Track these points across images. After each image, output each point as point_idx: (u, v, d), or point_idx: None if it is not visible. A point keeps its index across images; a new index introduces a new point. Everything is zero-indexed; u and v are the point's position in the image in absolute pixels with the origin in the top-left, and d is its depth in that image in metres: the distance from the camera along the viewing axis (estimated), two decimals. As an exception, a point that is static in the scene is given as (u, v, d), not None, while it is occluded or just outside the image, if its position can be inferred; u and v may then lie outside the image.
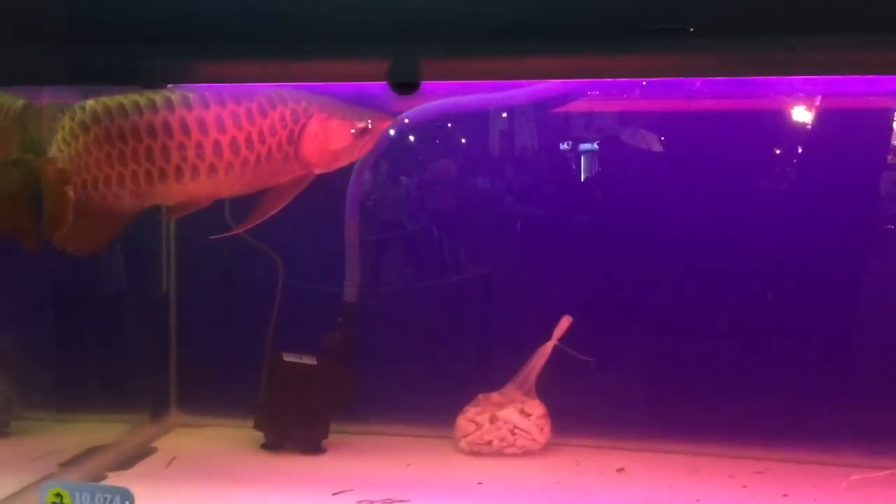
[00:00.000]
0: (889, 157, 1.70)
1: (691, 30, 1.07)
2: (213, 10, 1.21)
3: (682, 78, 1.32)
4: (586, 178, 1.88)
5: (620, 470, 1.60)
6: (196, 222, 1.81)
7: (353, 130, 1.45)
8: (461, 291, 1.86)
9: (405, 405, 1.78)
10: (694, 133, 1.72)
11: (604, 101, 1.79)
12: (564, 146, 1.88)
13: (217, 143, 1.40)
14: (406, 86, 1.22)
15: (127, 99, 1.39)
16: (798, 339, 1.64)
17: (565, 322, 1.71)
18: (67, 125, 1.39)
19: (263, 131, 1.42)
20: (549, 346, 1.72)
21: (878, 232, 1.71)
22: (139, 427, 1.82)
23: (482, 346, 1.85)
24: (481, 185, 1.90)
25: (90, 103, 1.39)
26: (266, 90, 1.42)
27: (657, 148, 1.79)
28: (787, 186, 1.75)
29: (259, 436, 1.72)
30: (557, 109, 1.86)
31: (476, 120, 1.88)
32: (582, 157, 1.85)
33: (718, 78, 1.37)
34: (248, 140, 1.41)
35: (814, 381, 1.65)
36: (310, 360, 1.72)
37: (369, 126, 1.46)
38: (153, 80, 1.38)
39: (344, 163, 1.50)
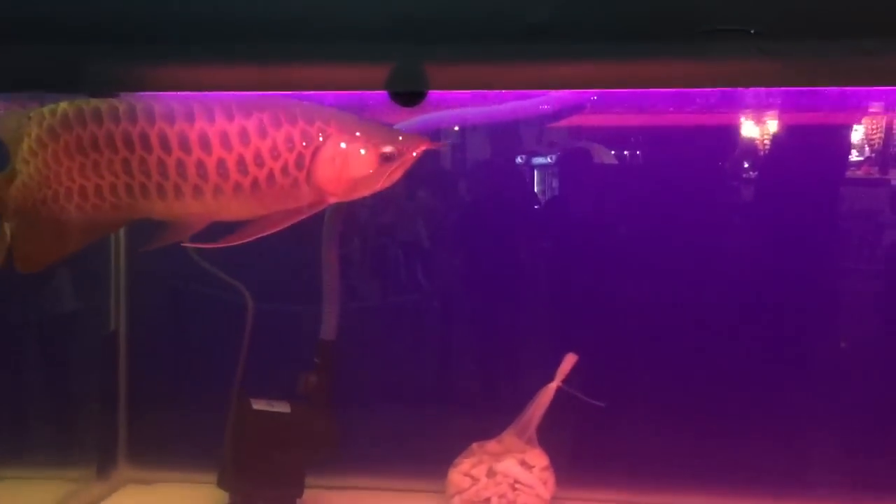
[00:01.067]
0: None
1: (752, 31, 0.91)
2: (180, 5, 1.02)
3: (740, 88, 1.17)
4: (584, 204, 1.74)
5: (634, 529, 1.45)
6: (149, 253, 1.63)
7: (377, 156, 1.26)
8: (452, 328, 1.69)
9: (390, 456, 1.62)
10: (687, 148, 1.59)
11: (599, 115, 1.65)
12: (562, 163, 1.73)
13: (201, 164, 1.23)
14: (409, 96, 1.05)
15: (105, 104, 1.24)
16: (827, 389, 1.51)
17: (570, 361, 1.54)
18: (34, 132, 1.25)
19: (262, 154, 1.23)
20: (551, 387, 1.54)
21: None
22: (83, 485, 1.63)
23: (477, 387, 1.67)
24: (476, 213, 1.73)
25: (62, 106, 1.24)
26: (273, 105, 1.24)
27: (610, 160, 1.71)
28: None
29: (223, 495, 1.53)
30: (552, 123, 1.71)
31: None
32: (587, 178, 1.70)
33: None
34: (241, 163, 1.23)
35: (841, 429, 1.51)
36: (282, 407, 1.53)
37: (397, 151, 1.26)
38: (102, 88, 1.19)
39: (366, 192, 1.30)
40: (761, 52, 0.93)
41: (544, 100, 1.43)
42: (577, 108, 1.55)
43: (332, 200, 1.31)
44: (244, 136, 1.23)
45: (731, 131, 1.61)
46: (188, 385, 1.68)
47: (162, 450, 1.67)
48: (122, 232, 1.67)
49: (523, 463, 1.53)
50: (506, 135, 1.74)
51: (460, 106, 1.47)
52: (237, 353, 1.56)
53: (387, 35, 1.02)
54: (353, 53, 1.04)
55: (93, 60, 1.14)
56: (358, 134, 1.26)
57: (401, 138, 1.28)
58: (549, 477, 1.54)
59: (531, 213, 1.74)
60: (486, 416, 1.62)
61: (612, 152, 1.71)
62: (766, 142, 1.62)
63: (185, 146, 1.23)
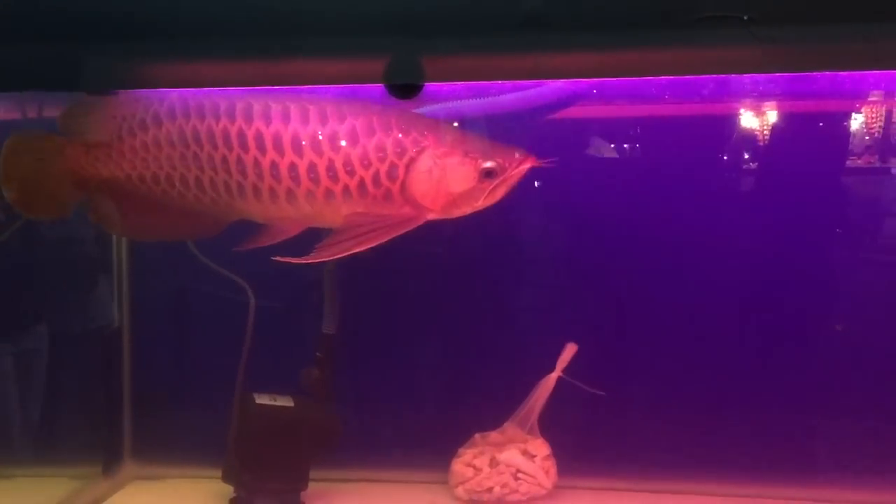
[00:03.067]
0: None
1: (745, 17, 0.92)
2: (176, 1, 1.02)
3: (735, 75, 1.16)
4: (582, 193, 1.72)
5: (637, 517, 1.45)
6: (153, 248, 1.63)
7: (476, 171, 1.22)
8: (453, 319, 1.68)
9: (394, 448, 1.62)
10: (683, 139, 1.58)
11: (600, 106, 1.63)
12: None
13: (293, 167, 1.22)
14: (406, 88, 1.04)
15: (209, 101, 1.26)
16: (829, 371, 1.50)
17: (570, 350, 1.55)
18: (138, 115, 1.29)
19: (352, 161, 1.21)
20: (552, 377, 1.55)
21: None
22: (89, 483, 1.62)
23: (478, 378, 1.67)
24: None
25: (171, 97, 1.27)
26: (369, 111, 1.22)
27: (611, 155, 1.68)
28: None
29: (227, 489, 1.53)
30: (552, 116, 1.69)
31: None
32: (579, 169, 1.69)
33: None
34: (331, 168, 1.22)
35: (841, 413, 1.51)
36: (285, 401, 1.53)
37: (498, 167, 1.22)
38: (101, 85, 1.19)
39: (466, 210, 1.26)
40: (755, 38, 0.93)
41: (549, 89, 1.42)
42: (580, 97, 1.54)
43: (432, 216, 1.26)
44: (335, 141, 1.21)
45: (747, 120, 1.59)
46: (193, 380, 1.67)
47: (167, 446, 1.66)
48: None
49: (525, 452, 1.54)
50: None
51: (457, 97, 1.46)
52: (240, 348, 1.57)
53: (382, 28, 1.02)
54: (348, 47, 1.04)
55: (89, 58, 1.14)
56: (456, 147, 1.22)
57: (504, 153, 1.23)
58: (551, 466, 1.55)
59: (528, 207, 1.73)
60: (488, 407, 1.62)
61: (612, 145, 1.70)
62: (781, 131, 1.59)
63: (279, 148, 1.22)
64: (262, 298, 1.58)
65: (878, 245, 1.58)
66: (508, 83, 1.31)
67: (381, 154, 1.21)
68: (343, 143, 1.22)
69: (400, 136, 1.22)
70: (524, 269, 1.67)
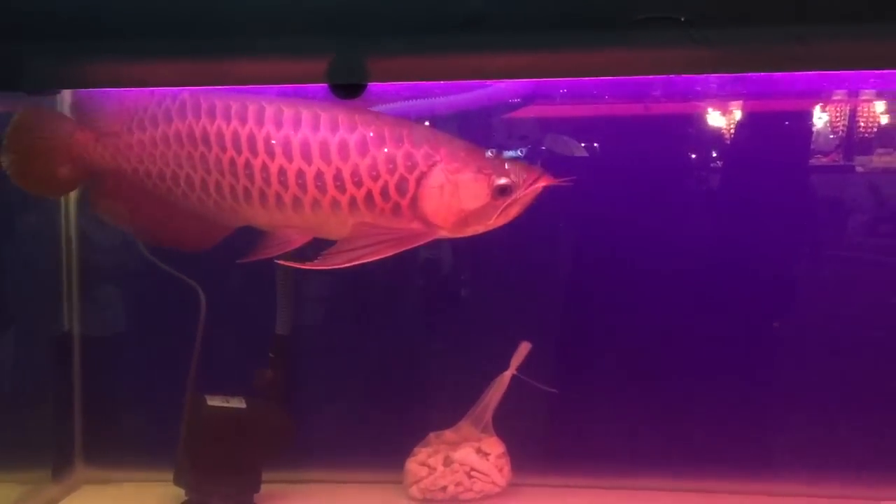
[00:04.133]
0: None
1: (683, 19, 0.92)
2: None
3: (672, 76, 1.17)
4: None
5: (590, 514, 1.46)
6: (101, 252, 1.61)
7: (490, 188, 1.19)
8: (406, 317, 1.68)
9: (348, 448, 1.61)
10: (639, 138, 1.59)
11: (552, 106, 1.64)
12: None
13: (301, 173, 1.20)
14: (349, 88, 1.04)
15: (221, 101, 1.24)
16: (780, 368, 1.52)
17: (524, 349, 1.55)
18: (150, 109, 1.28)
19: (360, 172, 1.19)
20: (506, 375, 1.55)
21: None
22: (38, 487, 1.59)
23: (432, 377, 1.67)
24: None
25: (183, 95, 1.26)
26: (381, 122, 1.20)
27: (581, 153, 1.66)
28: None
29: (179, 492, 1.52)
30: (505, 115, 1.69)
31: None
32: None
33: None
34: (338, 178, 1.19)
35: (798, 409, 1.53)
36: (238, 403, 1.51)
37: (512, 184, 1.19)
38: (40, 85, 1.16)
39: (478, 229, 1.23)
40: (693, 39, 0.94)
41: (508, 87, 1.42)
42: (533, 97, 1.54)
43: (443, 234, 1.24)
44: (344, 150, 1.18)
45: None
46: (143, 383, 1.65)
47: (118, 449, 1.64)
48: (73, 231, 1.65)
49: (479, 451, 1.54)
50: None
51: (413, 97, 1.45)
52: (192, 350, 1.55)
53: (324, 27, 1.01)
54: (291, 46, 1.03)
55: (30, 57, 1.11)
56: (469, 162, 1.19)
57: (519, 170, 1.20)
58: (505, 464, 1.55)
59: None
60: (442, 406, 1.62)
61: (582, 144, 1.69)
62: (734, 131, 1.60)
63: (288, 153, 1.20)
64: (215, 299, 1.57)
65: (841, 243, 1.59)
66: (455, 83, 1.31)
67: (390, 166, 1.19)
68: (352, 152, 1.19)
69: (411, 148, 1.19)
70: (479, 268, 1.67)
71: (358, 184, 1.20)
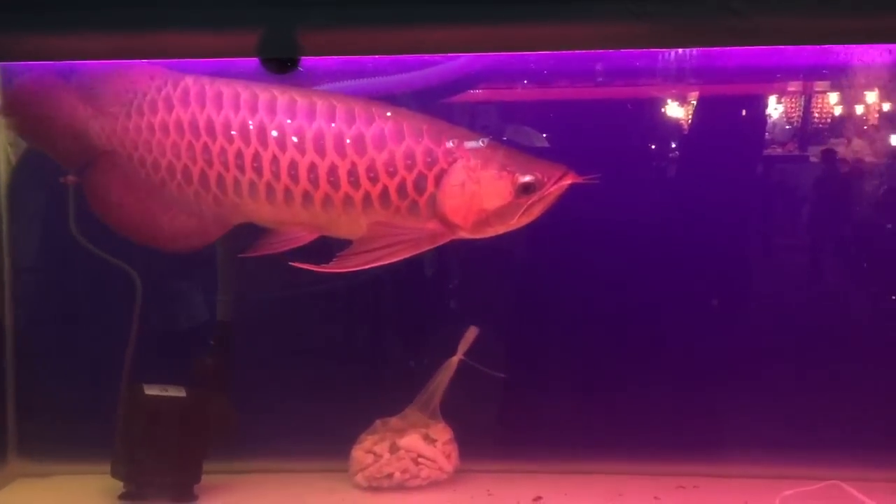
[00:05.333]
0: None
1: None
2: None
3: (608, 51, 1.15)
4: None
5: (538, 499, 1.44)
6: (34, 241, 1.56)
7: (513, 186, 1.14)
8: (353, 302, 1.65)
9: (292, 436, 1.57)
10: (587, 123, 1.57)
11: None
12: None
13: (313, 167, 1.14)
14: (281, 63, 1.01)
15: (229, 88, 1.18)
16: (722, 348, 1.51)
17: (471, 334, 1.53)
18: (149, 95, 1.23)
19: (377, 167, 1.12)
20: (454, 361, 1.53)
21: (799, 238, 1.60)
22: (-31, 481, 1.53)
23: (378, 363, 1.64)
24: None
25: (187, 79, 1.20)
26: (400, 115, 1.14)
27: (542, 143, 1.61)
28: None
29: (117, 484, 1.47)
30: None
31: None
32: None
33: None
34: (353, 173, 1.13)
35: (736, 391, 1.53)
36: (177, 392, 1.47)
37: (536, 182, 1.14)
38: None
39: (499, 229, 1.18)
40: (634, 14, 0.92)
41: (463, 64, 1.38)
42: (493, 74, 1.50)
43: (462, 234, 1.18)
44: (360, 143, 1.12)
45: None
46: (79, 373, 1.60)
47: (54, 441, 1.59)
48: (4, 222, 1.58)
49: (426, 437, 1.52)
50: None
51: (359, 75, 1.41)
52: (128, 338, 1.50)
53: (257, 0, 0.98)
54: (221, 19, 0.99)
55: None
56: (492, 159, 1.14)
57: (544, 168, 1.15)
58: (453, 450, 1.53)
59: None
60: (388, 393, 1.60)
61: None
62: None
63: (300, 146, 1.13)
64: (154, 286, 1.52)
65: (785, 230, 1.59)
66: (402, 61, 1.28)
67: (408, 162, 1.13)
68: (369, 146, 1.14)
69: (431, 144, 1.14)
70: (425, 253, 1.65)
71: (373, 180, 1.14)
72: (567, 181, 1.17)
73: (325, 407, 1.60)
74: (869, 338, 1.46)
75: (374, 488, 1.50)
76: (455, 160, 1.15)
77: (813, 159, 1.57)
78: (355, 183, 1.15)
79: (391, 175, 1.15)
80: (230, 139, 1.18)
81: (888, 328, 1.46)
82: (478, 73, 1.46)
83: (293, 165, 1.16)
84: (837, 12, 0.94)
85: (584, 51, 0.96)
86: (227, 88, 1.19)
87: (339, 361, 1.64)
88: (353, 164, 1.14)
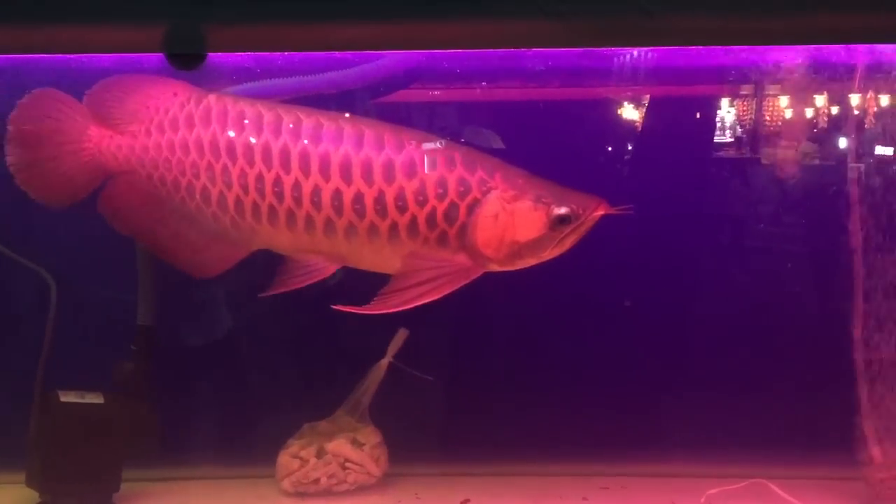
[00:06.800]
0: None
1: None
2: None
3: (522, 49, 1.14)
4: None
5: (466, 501, 1.44)
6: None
7: (548, 218, 1.10)
8: (279, 303, 1.61)
9: (216, 442, 1.54)
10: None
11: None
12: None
13: (338, 194, 1.09)
14: (187, 58, 0.98)
15: (252, 108, 1.13)
16: (644, 349, 1.52)
17: (401, 336, 1.51)
18: (171, 112, 1.17)
19: (406, 195, 1.08)
20: (383, 363, 1.51)
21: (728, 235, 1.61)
22: None
23: (306, 366, 1.61)
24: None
25: (209, 97, 1.15)
26: (432, 143, 1.10)
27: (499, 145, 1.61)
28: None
29: (33, 494, 1.42)
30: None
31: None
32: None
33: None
34: (380, 201, 1.09)
35: (661, 390, 1.54)
36: (95, 398, 1.43)
37: (572, 214, 1.11)
38: None
39: (530, 261, 1.15)
40: (545, 13, 0.92)
41: (389, 63, 1.35)
42: (423, 72, 1.48)
43: (492, 267, 1.14)
44: (389, 170, 1.08)
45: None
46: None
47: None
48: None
49: (354, 441, 1.50)
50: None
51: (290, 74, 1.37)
52: (42, 344, 1.45)
53: (161, -7, 0.95)
54: (127, 13, 0.96)
55: None
56: (527, 190, 1.10)
57: (579, 199, 1.12)
58: (382, 454, 1.51)
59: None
60: (317, 396, 1.57)
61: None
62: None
63: (325, 172, 1.09)
64: (73, 290, 1.48)
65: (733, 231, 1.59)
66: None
67: (440, 191, 1.09)
68: (398, 174, 1.10)
69: (464, 173, 1.10)
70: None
71: (402, 209, 1.10)
72: (601, 211, 1.14)
73: (253, 412, 1.57)
74: (792, 338, 1.48)
75: (300, 494, 1.47)
76: (489, 190, 1.12)
77: (727, 158, 1.57)
78: (382, 211, 1.12)
79: (421, 204, 1.11)
80: (251, 162, 1.14)
81: (813, 329, 1.48)
82: (408, 71, 1.45)
83: (316, 191, 1.12)
84: (748, 13, 0.95)
85: (495, 49, 0.95)
86: (250, 109, 1.15)
87: (267, 365, 1.61)
88: (381, 192, 1.11)
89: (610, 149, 1.46)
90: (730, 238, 1.55)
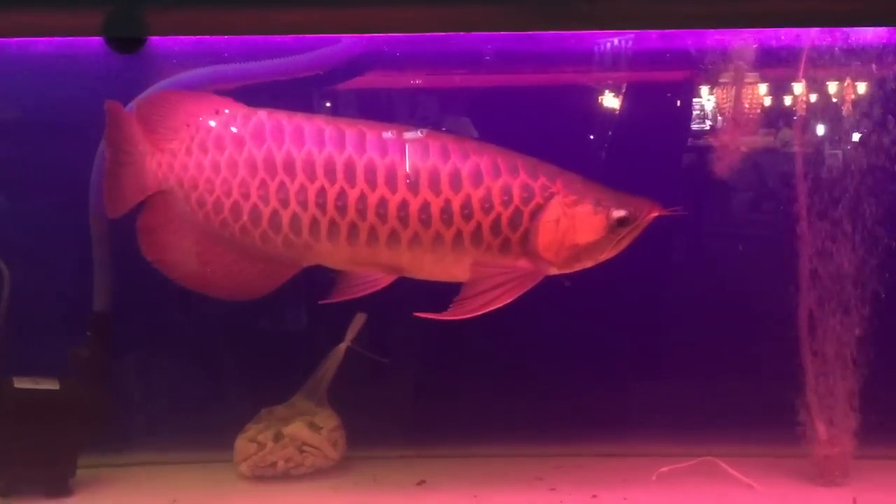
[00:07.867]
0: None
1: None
2: None
3: (458, 33, 1.15)
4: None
5: (421, 483, 1.45)
6: None
7: (607, 221, 1.13)
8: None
9: (173, 427, 1.55)
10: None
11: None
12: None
13: (404, 205, 1.10)
14: (127, 42, 0.97)
15: (309, 123, 1.13)
16: (595, 330, 1.53)
17: (359, 320, 1.52)
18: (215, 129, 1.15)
19: (472, 203, 1.09)
20: (341, 348, 1.52)
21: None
22: None
23: (264, 350, 1.61)
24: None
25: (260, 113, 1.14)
26: (492, 150, 1.11)
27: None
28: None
29: (-12, 481, 1.41)
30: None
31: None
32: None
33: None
34: (447, 210, 1.09)
35: (612, 372, 1.56)
36: (50, 384, 1.43)
37: (630, 216, 1.14)
38: None
39: (587, 263, 1.17)
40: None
41: (342, 49, 1.35)
42: (376, 59, 1.48)
43: (552, 271, 1.16)
44: (456, 179, 1.09)
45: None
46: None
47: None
48: None
49: (312, 425, 1.51)
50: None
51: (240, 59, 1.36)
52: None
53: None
54: (66, -3, 0.96)
55: None
56: (587, 194, 1.13)
57: (635, 202, 1.15)
58: (340, 437, 1.52)
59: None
60: (275, 381, 1.57)
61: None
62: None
63: (391, 183, 1.08)
64: (24, 277, 1.47)
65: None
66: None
67: (505, 198, 1.11)
68: (465, 182, 1.11)
69: (527, 179, 1.11)
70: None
71: (467, 217, 1.11)
72: (655, 213, 1.17)
73: (210, 396, 1.57)
74: (740, 319, 1.50)
75: (258, 477, 1.48)
76: (551, 195, 1.14)
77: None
78: (448, 220, 1.13)
79: (487, 211, 1.13)
80: (312, 177, 1.13)
81: (759, 309, 1.50)
82: (362, 56, 1.44)
83: (382, 203, 1.13)
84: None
85: (435, 34, 0.95)
86: (308, 124, 1.14)
87: (224, 348, 1.61)
88: (448, 201, 1.12)
89: (555, 138, 1.47)
90: (680, 223, 1.56)
